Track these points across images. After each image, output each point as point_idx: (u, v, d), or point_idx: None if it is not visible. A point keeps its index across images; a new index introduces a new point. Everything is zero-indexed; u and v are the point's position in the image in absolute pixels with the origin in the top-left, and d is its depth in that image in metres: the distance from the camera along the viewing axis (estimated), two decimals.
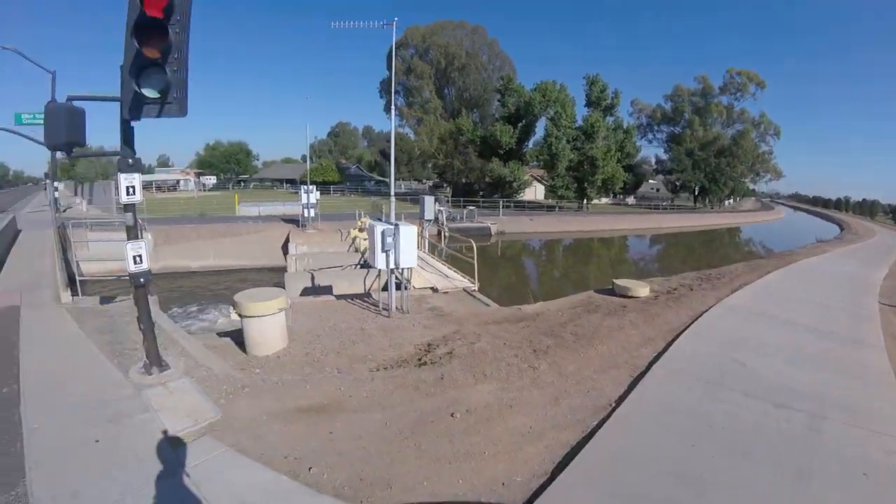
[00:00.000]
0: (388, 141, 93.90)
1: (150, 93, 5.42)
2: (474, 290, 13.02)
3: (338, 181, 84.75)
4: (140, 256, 6.24)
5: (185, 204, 48.42)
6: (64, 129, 5.25)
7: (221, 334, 10.14)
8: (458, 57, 73.40)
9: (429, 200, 27.35)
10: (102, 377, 7.19)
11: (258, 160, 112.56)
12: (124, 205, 6.09)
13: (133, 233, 6.29)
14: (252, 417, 6.05)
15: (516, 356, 8.33)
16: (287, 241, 26.50)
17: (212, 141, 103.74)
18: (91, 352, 8.24)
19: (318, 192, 29.11)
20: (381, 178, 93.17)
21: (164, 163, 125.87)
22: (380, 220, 25.34)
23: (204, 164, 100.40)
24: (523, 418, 6.30)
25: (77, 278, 13.18)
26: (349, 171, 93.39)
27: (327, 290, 14.63)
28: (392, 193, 15.58)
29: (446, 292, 12.92)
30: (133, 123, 5.84)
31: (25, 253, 18.23)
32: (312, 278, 15.22)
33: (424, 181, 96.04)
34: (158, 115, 5.62)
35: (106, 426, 5.78)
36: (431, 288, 12.81)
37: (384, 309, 11.24)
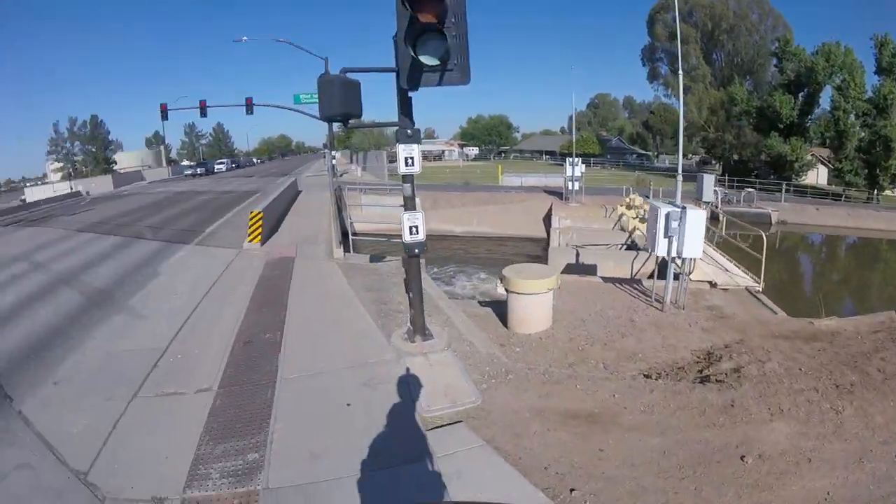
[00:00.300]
0: (652, 112, 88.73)
1: (428, 60, 5.27)
2: (758, 291, 11.19)
3: (598, 154, 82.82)
4: (416, 227, 6.34)
5: (451, 173, 51.80)
6: (338, 101, 5.35)
7: (483, 303, 10.23)
8: (725, 18, 64.87)
9: (708, 179, 24.81)
10: (364, 337, 7.57)
11: (518, 132, 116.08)
12: (402, 175, 6.14)
13: (410, 203, 6.36)
14: (514, 411, 5.64)
15: (816, 390, 6.73)
16: (549, 213, 26.43)
17: (474, 115, 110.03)
18: (356, 309, 8.80)
19: (583, 166, 28.33)
20: (644, 152, 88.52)
21: (429, 134, 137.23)
22: (646, 197, 24.18)
23: (466, 136, 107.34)
24: (821, 480, 4.93)
25: (350, 235, 14.52)
26: (610, 143, 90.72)
27: (591, 269, 14.12)
28: (680, 170, 14.24)
29: (726, 289, 11.32)
30: (411, 94, 5.75)
31: (303, 211, 21.06)
32: (577, 255, 14.84)
33: (690, 156, 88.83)
34: (439, 83, 5.47)
35: (359, 390, 5.97)
36: (709, 282, 11.34)
37: (657, 300, 10.21)
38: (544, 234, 26.02)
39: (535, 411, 5.67)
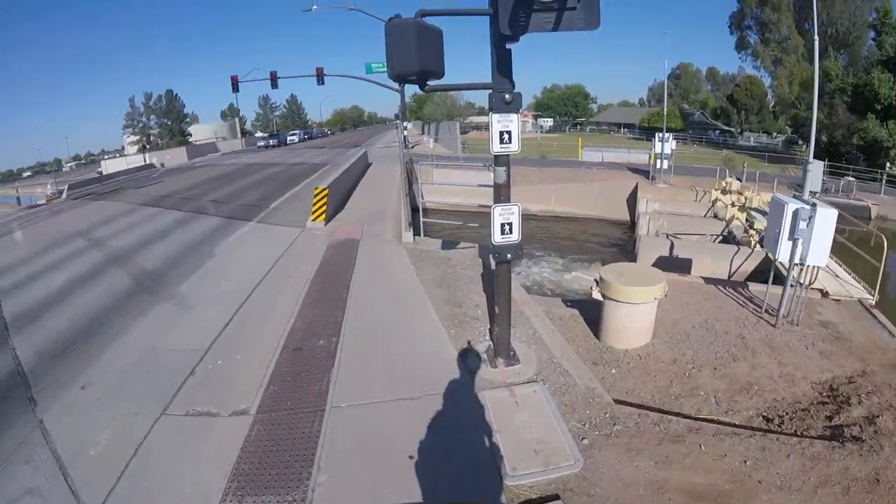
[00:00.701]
0: (737, 85, 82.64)
1: None
2: (871, 304, 9.30)
3: (680, 128, 77.89)
4: (510, 225, 4.92)
5: (527, 145, 48.87)
6: (413, 54, 3.83)
7: (568, 302, 8.87)
8: None
9: (816, 167, 22.04)
10: (434, 352, 6.43)
11: (595, 103, 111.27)
12: (495, 155, 4.72)
13: (504, 193, 4.96)
14: (625, 484, 4.42)
15: None
16: (634, 194, 24.37)
17: (548, 84, 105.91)
18: (425, 311, 7.69)
19: (674, 142, 25.82)
20: (727, 128, 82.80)
21: None
22: (740, 180, 21.84)
23: (541, 107, 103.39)
24: None
25: (420, 211, 13.47)
26: (692, 117, 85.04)
27: (686, 264, 12.60)
28: (811, 156, 12.20)
29: (837, 300, 9.50)
30: (510, 46, 4.36)
31: (372, 185, 20.15)
32: (671, 247, 13.18)
33: (775, 135, 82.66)
34: (555, 28, 3.96)
35: (426, 434, 4.86)
36: (820, 290, 9.52)
37: (767, 311, 8.57)
38: (627, 217, 24.13)
39: (652, 486, 4.39)
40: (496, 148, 4.56)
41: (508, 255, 4.91)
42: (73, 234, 15.71)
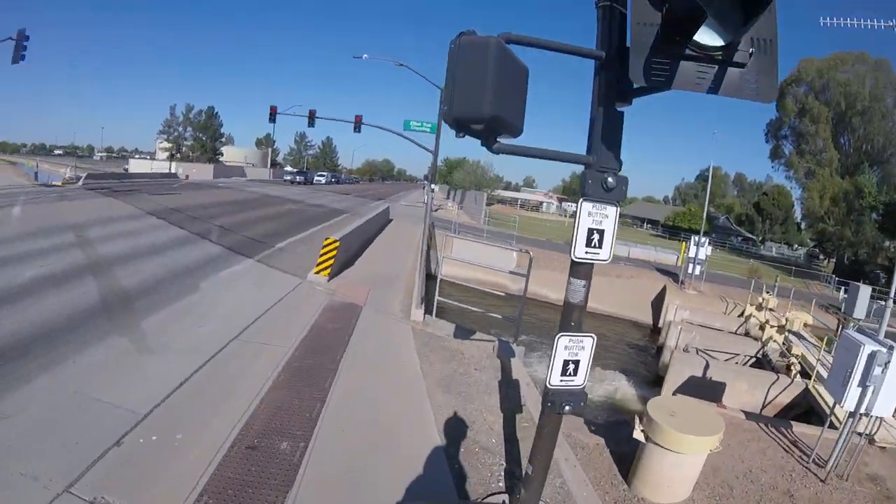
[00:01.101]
0: (765, 194, 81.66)
1: (709, 38, 2.39)
2: None
3: (706, 231, 76.30)
4: (576, 365, 3.26)
5: (551, 228, 46.69)
6: (489, 91, 2.13)
7: (593, 427, 7.43)
8: (860, 98, 57.83)
9: (864, 292, 20.66)
10: (429, 492, 4.83)
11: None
12: (574, 263, 3.10)
13: (576, 316, 3.33)
14: None
15: None
16: (661, 297, 22.93)
17: (578, 169, 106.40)
18: (424, 427, 6.15)
19: (710, 246, 24.47)
20: (749, 235, 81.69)
21: (529, 183, 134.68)
22: (769, 293, 20.39)
23: (568, 191, 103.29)
24: None
25: (437, 283, 12.06)
26: (716, 221, 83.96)
27: (719, 388, 11.88)
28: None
29: (883, 447, 8.13)
30: (622, 108, 2.95)
31: (388, 244, 18.92)
32: (705, 367, 11.94)
33: (796, 247, 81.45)
34: (714, 90, 2.52)
35: None
36: (865, 435, 7.99)
37: (815, 462, 7.21)
38: (650, 320, 22.79)
39: None
40: (579, 253, 3.04)
41: (566, 407, 3.27)
42: (67, 227, 14.61)
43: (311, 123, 37.62)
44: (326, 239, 12.64)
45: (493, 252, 20.02)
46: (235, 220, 20.61)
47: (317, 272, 12.05)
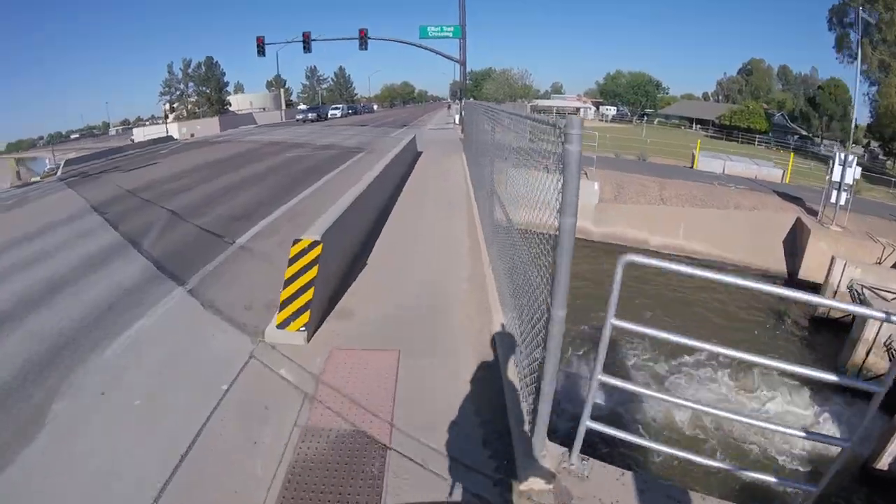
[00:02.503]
0: (820, 87, 70.50)
1: None
2: None
3: (765, 130, 66.17)
4: None
5: (612, 137, 35.88)
6: None
7: None
8: None
9: None
10: None
11: (667, 92, 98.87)
12: None
13: None
14: None
15: None
16: (794, 235, 15.92)
17: (612, 70, 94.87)
18: None
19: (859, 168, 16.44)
20: (805, 133, 71.47)
21: (557, 90, 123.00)
22: None
23: (606, 94, 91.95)
24: None
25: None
26: (773, 118, 73.44)
27: None
28: None
29: None
30: None
31: (421, 197, 12.52)
32: None
33: (850, 146, 71.86)
34: None
35: None
36: None
37: None
38: (783, 268, 15.95)
39: None
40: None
41: None
42: None
43: (307, 48, 30.61)
44: (296, 244, 5.93)
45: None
46: (207, 192, 14.41)
47: (281, 323, 5.55)
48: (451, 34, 29.02)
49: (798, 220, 16.02)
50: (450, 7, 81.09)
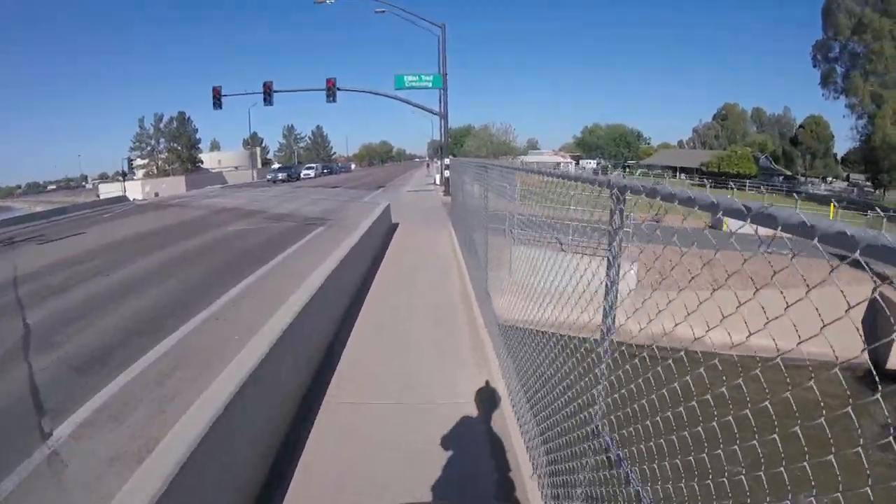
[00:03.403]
0: (801, 126, 69.65)
1: None
2: None
3: (754, 174, 64.50)
4: None
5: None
6: None
7: None
8: None
9: None
10: None
11: (648, 142, 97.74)
12: None
13: None
14: None
15: None
16: (875, 312, 12.06)
17: (589, 124, 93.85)
18: None
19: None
20: (787, 173, 70.41)
21: (533, 145, 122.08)
22: None
23: (585, 147, 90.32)
24: None
25: None
26: (758, 161, 72.04)
27: None
28: None
29: None
30: None
31: (396, 315, 8.02)
32: None
33: (831, 180, 70.92)
34: None
35: None
36: None
37: None
38: (864, 357, 11.64)
39: None
40: None
41: None
42: None
43: (269, 100, 26.97)
44: None
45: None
46: (104, 287, 10.24)
47: None
48: (430, 84, 25.76)
49: (881, 293, 12.12)
50: (423, 58, 78.98)
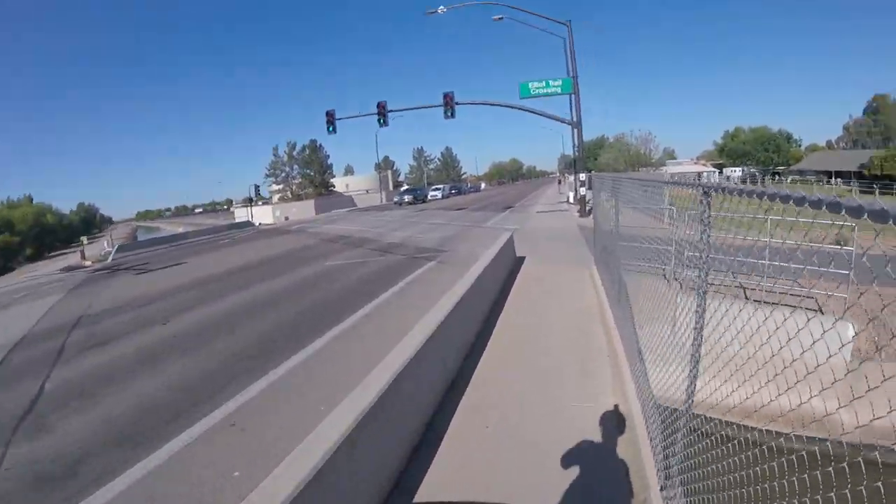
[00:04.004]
0: None
1: None
2: None
3: None
4: None
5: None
6: None
7: None
8: None
9: None
10: None
11: (799, 144, 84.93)
12: None
13: None
14: None
15: None
16: None
17: (731, 128, 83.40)
18: None
19: None
20: None
21: (670, 155, 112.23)
22: None
23: (730, 154, 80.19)
24: None
25: None
26: None
27: None
28: None
29: None
30: None
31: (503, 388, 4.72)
32: None
33: None
34: None
35: None
36: None
37: None
38: None
39: None
40: None
41: None
42: None
43: (383, 121, 24.98)
44: None
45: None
46: (161, 338, 8.27)
47: None
48: (559, 89, 22.27)
49: None
50: (548, 68, 73.46)
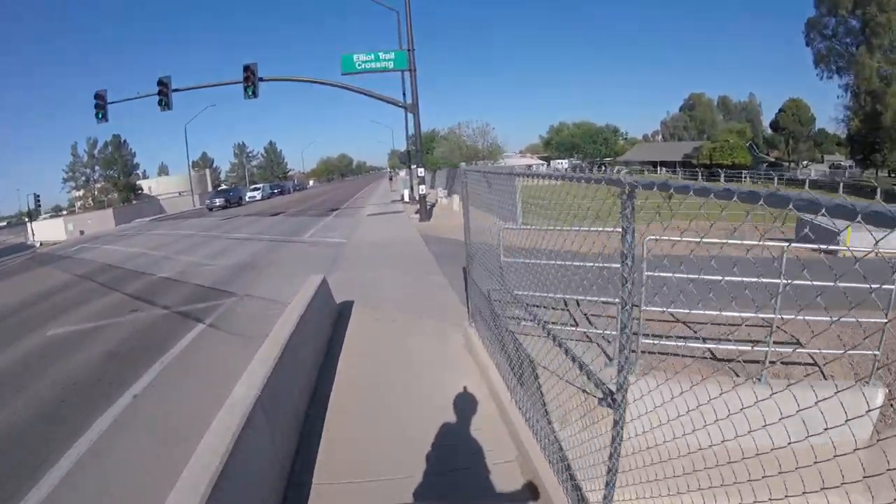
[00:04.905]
0: (782, 110, 64.51)
1: None
2: None
3: (749, 164, 58.22)
4: None
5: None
6: None
7: None
8: None
9: None
10: None
11: (625, 138, 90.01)
12: None
13: None
14: None
15: None
16: None
17: (555, 123, 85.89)
18: None
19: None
20: (770, 159, 65.48)
21: (496, 149, 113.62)
22: None
23: (557, 147, 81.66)
24: None
25: None
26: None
27: None
28: None
29: None
30: None
31: None
32: None
33: (804, 164, 66.44)
34: None
35: None
36: None
37: None
38: None
39: None
40: None
41: None
42: None
43: (165, 101, 18.48)
44: None
45: None
46: None
47: None
48: (390, 63, 17.89)
49: None
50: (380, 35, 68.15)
